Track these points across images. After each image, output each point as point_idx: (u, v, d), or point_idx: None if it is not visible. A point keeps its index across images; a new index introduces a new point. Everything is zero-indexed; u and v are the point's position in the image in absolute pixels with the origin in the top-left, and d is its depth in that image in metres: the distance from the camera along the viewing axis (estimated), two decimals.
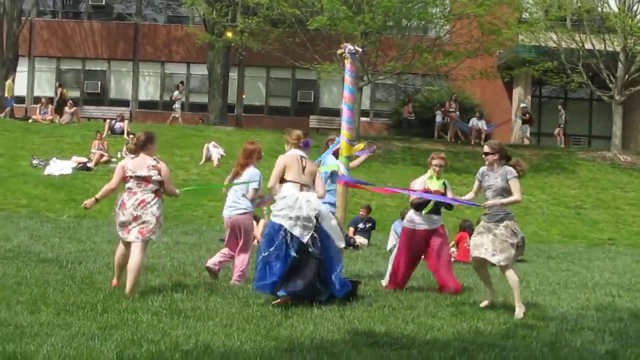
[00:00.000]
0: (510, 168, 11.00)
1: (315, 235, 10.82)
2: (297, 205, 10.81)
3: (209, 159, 31.42)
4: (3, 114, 39.23)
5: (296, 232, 10.71)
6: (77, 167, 29.30)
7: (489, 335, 9.24)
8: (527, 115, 40.45)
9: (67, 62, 48.15)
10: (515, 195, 10.88)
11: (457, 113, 39.33)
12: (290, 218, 10.76)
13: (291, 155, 11.32)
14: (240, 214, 12.66)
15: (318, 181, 11.38)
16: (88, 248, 16.02)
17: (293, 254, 10.67)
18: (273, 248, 10.76)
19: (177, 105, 42.03)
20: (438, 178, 12.67)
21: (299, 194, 10.95)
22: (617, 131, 37.78)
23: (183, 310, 9.64)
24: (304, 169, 11.22)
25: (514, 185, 10.85)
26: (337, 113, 40.12)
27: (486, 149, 11.16)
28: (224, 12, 38.44)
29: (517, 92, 43.57)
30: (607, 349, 8.76)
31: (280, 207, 10.91)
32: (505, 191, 10.88)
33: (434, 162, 12.77)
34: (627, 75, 37.08)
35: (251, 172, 12.82)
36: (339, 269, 11.10)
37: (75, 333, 8.04)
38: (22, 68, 45.07)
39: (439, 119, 39.43)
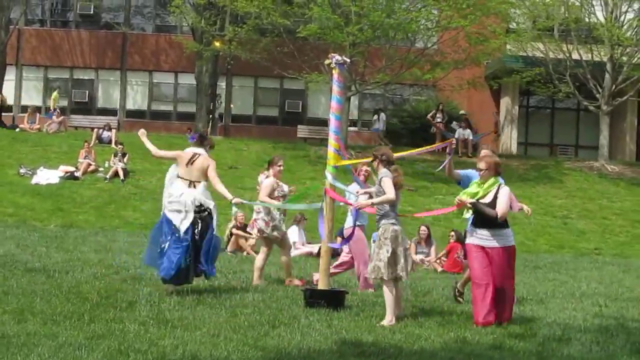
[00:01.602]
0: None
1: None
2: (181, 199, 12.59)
3: None
4: (48, 125, 39.55)
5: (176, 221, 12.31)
6: (64, 177, 29.26)
7: (476, 345, 9.25)
8: (463, 124, 40.11)
9: (55, 70, 48.02)
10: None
11: (444, 122, 39.27)
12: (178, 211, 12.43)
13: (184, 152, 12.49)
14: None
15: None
16: (75, 258, 15.97)
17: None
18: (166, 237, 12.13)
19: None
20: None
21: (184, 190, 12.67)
22: (604, 141, 37.88)
23: (170, 320, 9.64)
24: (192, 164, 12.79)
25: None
26: (325, 123, 40.01)
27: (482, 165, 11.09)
28: (212, 21, 38.45)
29: (505, 101, 43.66)
30: (594, 358, 8.79)
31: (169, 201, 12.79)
32: None
33: None
34: (614, 85, 37.18)
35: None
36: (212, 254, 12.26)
37: (62, 343, 8.03)
38: (10, 77, 44.92)
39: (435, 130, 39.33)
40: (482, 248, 10.72)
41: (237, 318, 10.10)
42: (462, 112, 41.09)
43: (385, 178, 10.90)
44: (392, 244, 10.78)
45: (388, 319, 10.48)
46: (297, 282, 14.13)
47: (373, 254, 10.95)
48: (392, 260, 10.74)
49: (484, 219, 10.60)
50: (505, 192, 10.71)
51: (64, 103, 46.16)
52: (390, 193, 10.81)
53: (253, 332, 9.25)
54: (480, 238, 10.75)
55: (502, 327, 10.45)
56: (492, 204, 10.60)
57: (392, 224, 10.89)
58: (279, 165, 14.37)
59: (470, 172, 11.82)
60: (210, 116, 41.73)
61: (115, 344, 8.15)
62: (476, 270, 10.80)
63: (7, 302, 10.21)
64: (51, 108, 41.82)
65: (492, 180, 10.68)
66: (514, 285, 11.21)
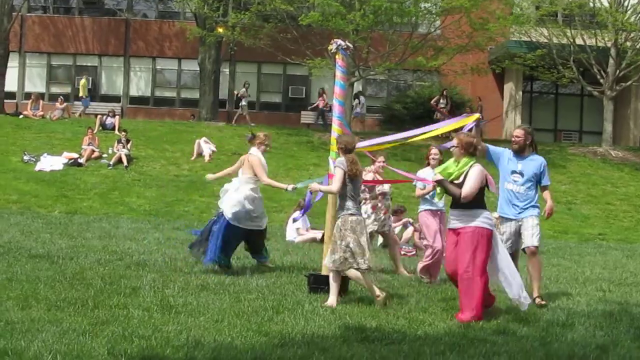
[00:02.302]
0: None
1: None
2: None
3: (200, 154, 31.40)
4: (78, 113, 39.55)
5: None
6: (68, 163, 29.26)
7: (480, 330, 9.25)
8: (443, 107, 40.03)
9: (58, 57, 48.04)
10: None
11: (447, 108, 39.15)
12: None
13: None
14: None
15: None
16: (79, 244, 15.97)
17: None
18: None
19: (243, 103, 41.86)
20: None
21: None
22: (607, 126, 37.81)
23: (174, 306, 9.64)
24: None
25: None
26: (246, 106, 40.70)
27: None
28: (215, 7, 38.38)
29: (509, 87, 43.61)
30: (597, 343, 8.78)
31: None
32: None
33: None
34: (617, 71, 37.10)
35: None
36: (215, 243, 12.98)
37: (66, 329, 8.04)
38: (13, 64, 44.94)
39: (438, 115, 39.17)
40: (454, 231, 10.47)
41: (240, 304, 10.10)
42: (479, 102, 41.16)
43: (337, 168, 10.85)
44: (352, 234, 10.73)
45: (330, 301, 10.56)
46: (405, 273, 14.33)
47: (336, 245, 10.77)
48: (360, 250, 10.69)
49: (454, 199, 10.40)
50: (473, 172, 10.28)
51: (67, 90, 46.21)
52: (334, 186, 10.85)
53: (257, 317, 9.25)
54: (451, 220, 10.54)
55: (506, 311, 10.45)
56: (462, 184, 10.27)
57: (351, 214, 10.82)
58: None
59: (499, 149, 12.03)
60: (241, 105, 41.68)
61: (119, 329, 8.15)
62: (446, 257, 10.83)
63: (11, 289, 10.21)
64: (80, 95, 41.87)
65: (465, 159, 10.44)
66: (483, 277, 10.21)
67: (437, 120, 37.80)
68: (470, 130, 12.01)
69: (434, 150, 13.84)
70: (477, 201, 10.28)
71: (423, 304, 10.92)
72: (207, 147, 31.55)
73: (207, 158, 31.06)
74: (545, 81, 42.30)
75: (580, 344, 8.73)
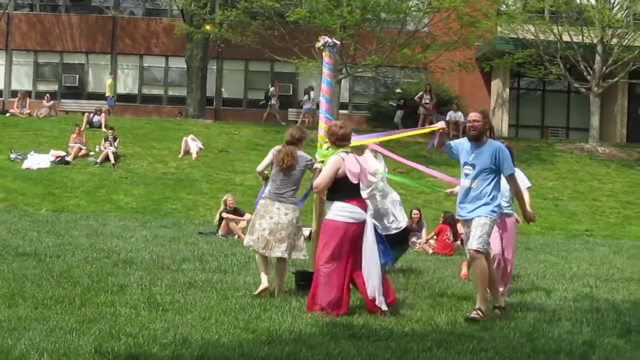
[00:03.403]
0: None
1: None
2: None
3: (187, 152, 31.38)
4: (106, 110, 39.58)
5: None
6: (55, 161, 29.23)
7: (467, 327, 9.28)
8: (402, 100, 40.10)
9: (45, 55, 47.91)
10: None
11: (432, 104, 39.12)
12: None
13: None
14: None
15: None
16: (66, 242, 15.97)
17: None
18: None
19: (273, 102, 41.80)
20: None
21: None
22: (594, 123, 37.89)
23: (161, 304, 9.64)
24: None
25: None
26: (316, 106, 40.26)
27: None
28: (202, 4, 38.33)
29: (496, 84, 43.69)
30: (584, 339, 8.81)
31: None
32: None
33: None
34: (604, 67, 37.18)
35: None
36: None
37: (53, 327, 8.02)
38: (0, 61, 44.84)
39: (422, 110, 39.16)
40: None
41: (228, 301, 10.10)
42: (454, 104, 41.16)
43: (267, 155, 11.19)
44: (257, 219, 11.05)
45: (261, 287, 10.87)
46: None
47: (252, 227, 11.15)
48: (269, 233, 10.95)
49: None
50: (327, 162, 10.14)
51: (54, 87, 46.14)
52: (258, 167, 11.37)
53: (244, 315, 9.25)
54: None
55: (490, 308, 10.48)
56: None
57: (263, 198, 11.16)
58: None
59: (458, 141, 10.79)
60: (270, 104, 41.60)
61: (106, 327, 8.14)
62: None
63: None
64: (107, 94, 41.75)
65: (330, 150, 10.32)
66: (335, 270, 9.96)
67: (421, 115, 38.00)
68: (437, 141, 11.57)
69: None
70: (334, 192, 10.12)
71: (410, 301, 10.95)
72: (194, 145, 31.54)
73: (194, 155, 31.05)
74: (532, 78, 42.44)
75: (567, 339, 8.76)
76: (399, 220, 14.03)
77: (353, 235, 9.92)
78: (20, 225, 18.98)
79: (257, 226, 11.01)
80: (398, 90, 41.69)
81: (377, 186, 13.72)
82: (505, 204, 11.49)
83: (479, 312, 9.81)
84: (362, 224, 9.96)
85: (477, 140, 10.26)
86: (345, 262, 9.95)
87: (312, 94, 40.81)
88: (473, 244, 10.05)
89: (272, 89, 42.24)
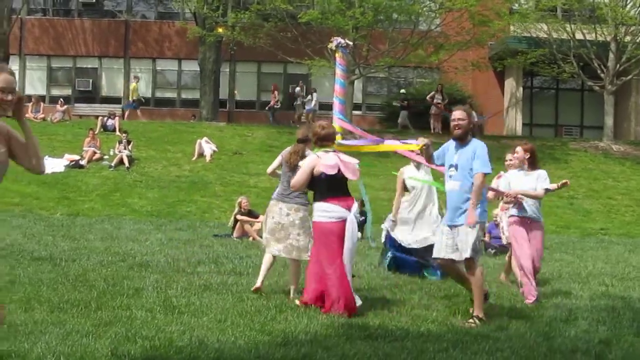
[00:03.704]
0: None
1: None
2: None
3: (201, 154, 31.41)
4: (125, 117, 39.67)
5: None
6: (69, 165, 29.28)
7: (483, 327, 9.25)
8: (406, 102, 40.10)
9: (58, 60, 48.08)
10: None
11: (444, 103, 39.05)
12: None
13: None
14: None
15: None
16: (81, 246, 15.99)
17: None
18: None
19: (298, 102, 41.81)
20: None
21: None
22: (608, 121, 37.78)
23: (177, 306, 9.64)
24: None
25: None
26: (329, 107, 39.97)
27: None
28: (215, 7, 38.39)
29: (509, 83, 43.60)
30: (600, 338, 8.78)
31: None
32: None
33: None
34: (618, 65, 37.08)
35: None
36: None
37: (69, 331, 8.03)
38: (13, 66, 44.81)
39: (433, 110, 39.11)
40: None
41: (243, 303, 10.09)
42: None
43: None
44: (267, 219, 11.23)
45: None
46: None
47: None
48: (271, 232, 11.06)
49: None
50: (304, 162, 10.25)
51: (68, 92, 46.28)
52: None
53: (260, 317, 9.25)
54: None
55: (509, 308, 10.45)
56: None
57: (272, 198, 11.27)
58: None
59: (443, 146, 10.43)
60: (295, 104, 41.56)
61: (122, 330, 8.15)
62: None
63: (14, 291, 10.21)
64: (130, 99, 41.80)
65: (312, 150, 10.52)
66: (336, 269, 9.96)
67: (432, 115, 37.96)
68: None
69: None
70: (314, 193, 10.20)
71: (426, 301, 10.93)
72: (208, 147, 31.57)
73: (208, 158, 31.07)
74: (545, 76, 42.36)
75: (583, 338, 8.74)
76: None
77: (339, 233, 9.86)
78: (36, 229, 19.00)
79: (264, 226, 11.29)
80: (402, 91, 41.75)
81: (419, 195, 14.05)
82: (533, 209, 11.60)
83: (476, 319, 9.58)
84: (343, 223, 9.88)
85: (461, 139, 9.98)
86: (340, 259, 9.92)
87: (314, 95, 40.87)
88: (468, 252, 9.62)
89: (297, 89, 42.17)
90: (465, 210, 9.67)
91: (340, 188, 10.04)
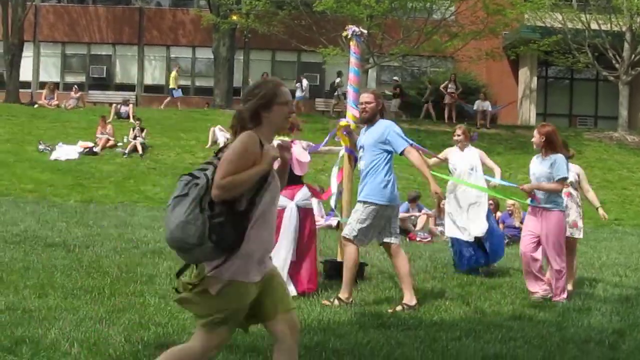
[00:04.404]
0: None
1: None
2: None
3: (215, 142, 31.40)
4: (163, 105, 39.81)
5: None
6: (83, 152, 29.33)
7: (496, 316, 9.26)
8: (398, 89, 40.01)
9: (72, 46, 48.12)
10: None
11: (457, 93, 38.99)
12: None
13: None
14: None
15: None
16: (95, 233, 16.01)
17: None
18: None
19: (339, 92, 41.77)
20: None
21: None
22: (623, 111, 37.67)
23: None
24: None
25: None
26: (343, 96, 40.11)
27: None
28: None
29: (524, 72, 43.50)
30: (614, 328, 8.78)
31: None
32: None
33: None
34: (633, 55, 36.96)
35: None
36: None
37: (83, 317, 8.07)
38: (28, 53, 45.01)
39: (447, 99, 38.98)
40: None
41: None
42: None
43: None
44: None
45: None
46: None
47: None
48: None
49: None
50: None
51: (82, 79, 46.35)
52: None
53: None
54: None
55: (523, 297, 10.45)
56: None
57: None
58: None
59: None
60: (337, 94, 41.44)
61: (135, 317, 8.18)
62: None
63: (28, 277, 10.25)
64: (171, 86, 41.78)
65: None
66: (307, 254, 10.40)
67: (446, 104, 37.86)
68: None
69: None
70: (297, 178, 10.51)
71: (438, 290, 10.92)
72: (222, 135, 31.52)
73: (222, 146, 31.05)
74: (560, 66, 42.26)
75: (597, 328, 8.73)
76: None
77: (281, 222, 10.03)
78: (49, 216, 19.04)
79: None
80: (395, 78, 41.64)
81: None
82: (544, 198, 10.65)
83: (339, 299, 9.68)
84: (282, 211, 10.02)
85: (369, 122, 10.01)
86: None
87: (304, 82, 40.84)
88: (345, 229, 9.88)
89: (337, 80, 42.01)
90: (362, 190, 9.79)
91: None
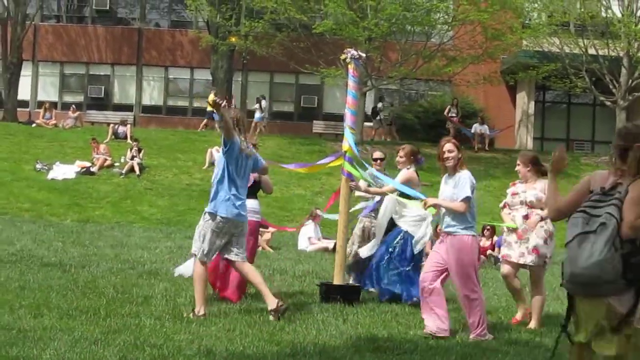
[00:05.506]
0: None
1: None
2: None
3: (212, 163, 31.39)
4: (201, 127, 39.92)
5: None
6: (80, 172, 29.34)
7: (492, 341, 9.23)
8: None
9: (70, 66, 48.20)
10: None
11: (459, 117, 39.11)
12: None
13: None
14: None
15: None
16: (91, 252, 16.01)
17: None
18: None
19: (381, 117, 41.85)
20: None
21: None
22: None
23: (186, 315, 9.64)
24: None
25: None
26: (340, 118, 39.69)
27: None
28: (228, 16, 38.45)
29: (521, 97, 43.60)
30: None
31: None
32: None
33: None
34: (630, 80, 37.05)
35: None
36: None
37: (78, 338, 8.04)
38: (26, 72, 45.06)
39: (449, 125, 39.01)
40: None
41: (252, 313, 10.09)
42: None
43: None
44: None
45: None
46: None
47: None
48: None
49: None
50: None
51: (80, 98, 46.40)
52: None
53: (268, 327, 9.24)
54: None
55: (520, 322, 10.43)
56: None
57: None
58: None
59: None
60: (379, 119, 41.44)
61: (131, 338, 8.15)
62: None
63: (23, 297, 10.23)
64: (209, 108, 41.81)
65: None
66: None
67: (449, 130, 37.92)
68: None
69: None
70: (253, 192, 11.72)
71: None
72: (219, 157, 31.55)
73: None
74: (557, 91, 42.39)
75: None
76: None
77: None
78: (46, 235, 19.04)
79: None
80: (379, 105, 41.89)
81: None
82: (448, 220, 9.56)
83: (193, 312, 9.73)
84: None
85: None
86: None
87: (263, 102, 40.88)
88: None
89: (380, 105, 41.99)
90: None
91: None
